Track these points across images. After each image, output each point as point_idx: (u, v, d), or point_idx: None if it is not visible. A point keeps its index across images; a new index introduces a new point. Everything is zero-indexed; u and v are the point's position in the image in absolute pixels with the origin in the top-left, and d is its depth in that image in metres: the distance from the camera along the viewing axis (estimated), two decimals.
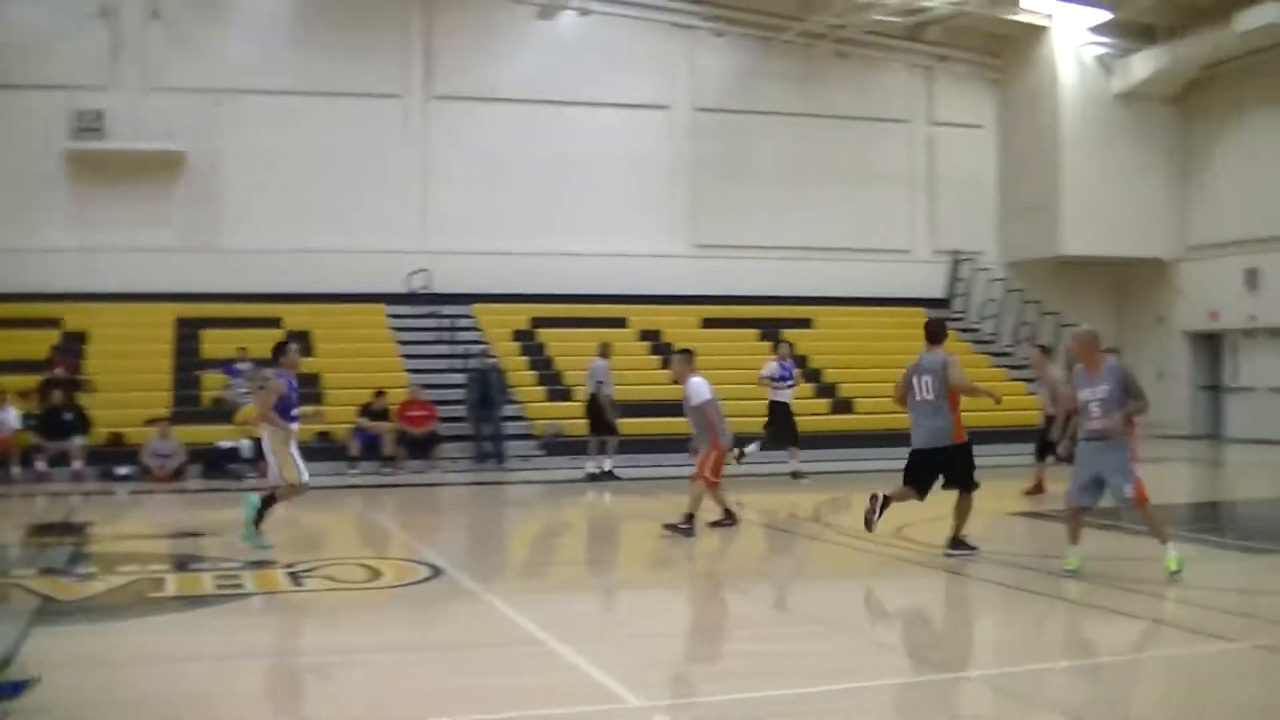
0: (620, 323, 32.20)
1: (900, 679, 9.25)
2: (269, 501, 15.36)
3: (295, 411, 15.15)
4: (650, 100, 35.18)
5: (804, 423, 26.25)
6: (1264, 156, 34.85)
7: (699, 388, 16.77)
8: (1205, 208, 36.81)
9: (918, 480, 14.49)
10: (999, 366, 33.38)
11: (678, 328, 32.04)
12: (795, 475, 24.12)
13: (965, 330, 36.12)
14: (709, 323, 32.51)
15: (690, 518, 16.37)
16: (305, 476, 15.47)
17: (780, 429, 24.43)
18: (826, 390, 30.87)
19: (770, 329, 31.81)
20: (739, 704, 8.66)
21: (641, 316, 32.73)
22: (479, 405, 27.32)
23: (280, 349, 15.85)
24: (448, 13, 33.47)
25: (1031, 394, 26.51)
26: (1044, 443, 21.18)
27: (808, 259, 35.67)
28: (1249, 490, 23.82)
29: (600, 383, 25.70)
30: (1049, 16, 35.72)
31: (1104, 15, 34.98)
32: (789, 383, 24.73)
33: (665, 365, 30.17)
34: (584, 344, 30.07)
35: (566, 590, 13.61)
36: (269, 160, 31.78)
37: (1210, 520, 19.91)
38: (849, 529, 17.20)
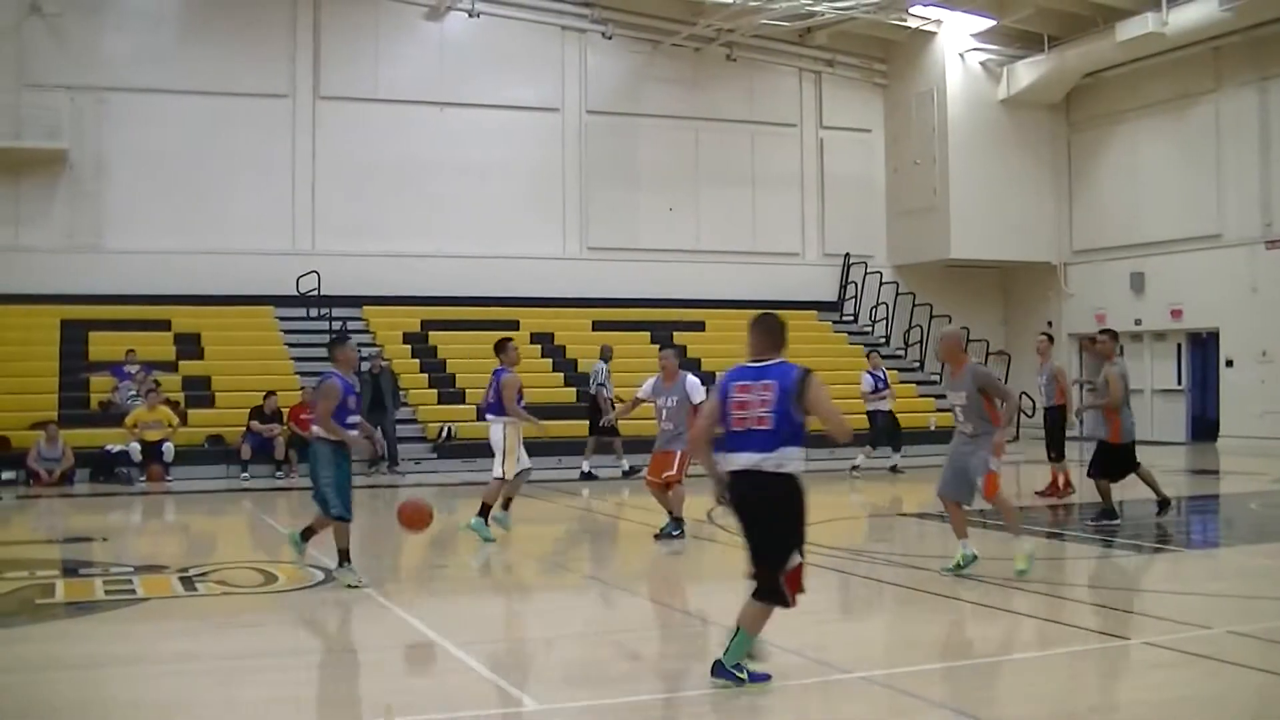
0: (512, 325, 32.09)
1: (797, 680, 9.29)
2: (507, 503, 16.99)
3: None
4: (540, 102, 35.15)
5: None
6: (1146, 162, 35.48)
7: (697, 384, 16.90)
8: (1090, 212, 37.38)
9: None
10: (890, 369, 33.57)
11: (569, 330, 32.09)
12: (894, 469, 25.94)
13: (855, 333, 36.41)
14: (600, 325, 32.56)
15: (679, 521, 16.63)
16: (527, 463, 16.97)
17: (882, 434, 26.40)
18: None
19: (661, 331, 31.92)
20: (635, 706, 8.71)
21: (533, 319, 32.71)
22: (371, 408, 27.15)
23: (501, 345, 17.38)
24: (335, 12, 33.23)
25: (925, 396, 26.86)
26: (1055, 438, 21.08)
27: (699, 262, 35.81)
28: (1135, 491, 24.09)
29: (601, 384, 26.25)
30: (936, 23, 36.09)
31: (989, 22, 35.38)
32: (884, 392, 25.85)
33: (556, 369, 30.39)
34: (475, 346, 30.03)
35: (461, 593, 13.59)
36: (155, 160, 31.39)
37: (1102, 519, 20.15)
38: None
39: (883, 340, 36.48)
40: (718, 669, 8.75)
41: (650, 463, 17.21)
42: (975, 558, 13.00)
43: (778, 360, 8.87)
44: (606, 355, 27.18)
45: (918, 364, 35.79)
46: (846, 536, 17.67)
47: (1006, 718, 8.49)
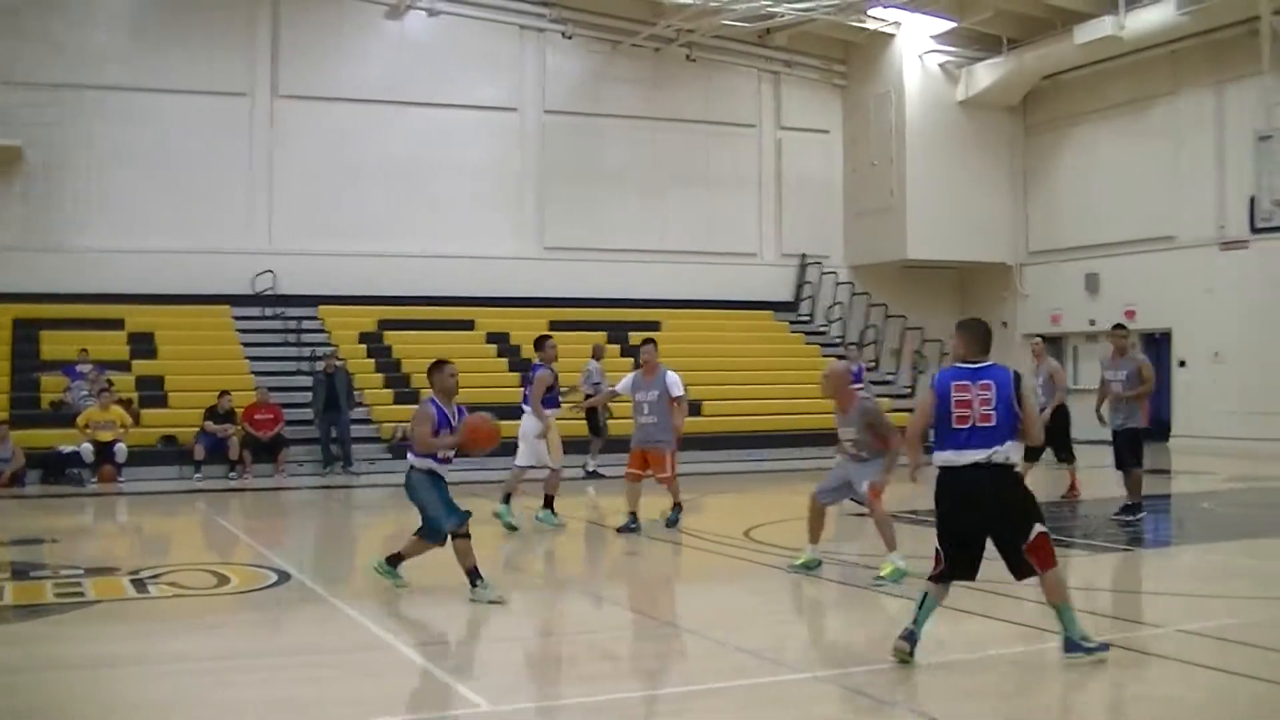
0: (468, 325, 32.12)
1: (752, 680, 9.28)
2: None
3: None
4: (499, 102, 35.05)
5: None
6: (1102, 164, 35.67)
7: (677, 379, 17.30)
8: (1047, 214, 37.54)
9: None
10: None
11: (526, 330, 31.83)
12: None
13: (811, 333, 36.47)
14: (557, 325, 32.32)
15: (678, 505, 17.63)
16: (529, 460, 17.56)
17: None
18: None
19: (618, 332, 31.90)
20: (591, 707, 8.68)
21: (489, 319, 32.64)
22: (326, 408, 27.08)
23: (540, 342, 18.09)
24: (295, 11, 33.05)
25: (881, 396, 26.82)
26: (1061, 439, 20.80)
27: (656, 262, 35.78)
28: (1091, 491, 24.22)
29: (597, 384, 26.30)
30: (895, 24, 36.16)
31: (948, 24, 35.50)
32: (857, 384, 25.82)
33: (512, 369, 30.31)
34: (431, 346, 29.92)
35: (416, 595, 13.51)
36: (112, 157, 31.16)
37: (1054, 520, 20.20)
38: (700, 531, 17.29)
39: (838, 340, 36.55)
40: (1069, 646, 9.26)
41: (630, 457, 17.52)
42: (820, 563, 13.60)
43: (989, 362, 9.46)
44: (599, 354, 27.36)
45: (873, 363, 35.81)
46: (802, 537, 17.65)
47: (960, 717, 8.48)
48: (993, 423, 9.18)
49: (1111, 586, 13.70)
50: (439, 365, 12.77)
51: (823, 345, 35.79)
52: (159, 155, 31.54)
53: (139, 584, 13.12)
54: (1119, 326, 19.02)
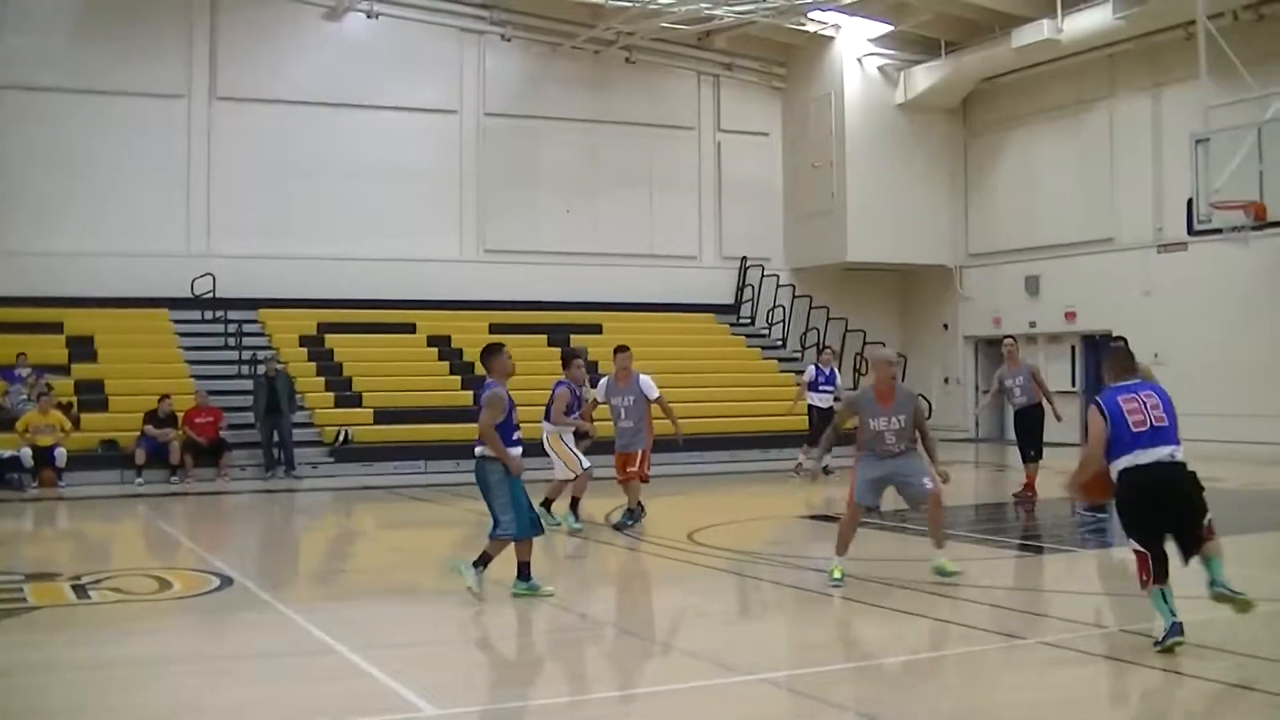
0: (409, 328, 32.03)
1: (694, 682, 9.30)
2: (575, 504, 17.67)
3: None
4: (439, 104, 34.96)
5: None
6: (1041, 166, 35.98)
7: (650, 382, 17.89)
8: (987, 216, 37.80)
9: None
10: (786, 372, 33.76)
11: (466, 333, 31.89)
12: (826, 470, 24.78)
13: (752, 336, 36.55)
14: (497, 328, 32.21)
15: (634, 510, 17.78)
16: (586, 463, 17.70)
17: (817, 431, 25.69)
18: None
19: (559, 334, 31.89)
20: (536, 710, 8.70)
21: (430, 322, 32.54)
22: (267, 412, 26.95)
23: (567, 359, 18.36)
24: (232, 12, 32.84)
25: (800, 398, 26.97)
26: (1033, 438, 20.80)
27: (596, 265, 35.76)
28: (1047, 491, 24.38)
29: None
30: (834, 27, 36.33)
31: (887, 27, 35.68)
32: (827, 389, 25.82)
33: (453, 372, 30.25)
34: (372, 349, 30.00)
35: (359, 598, 13.49)
36: (48, 160, 30.87)
37: (993, 521, 20.36)
38: (643, 534, 17.31)
39: (779, 343, 36.65)
40: (1214, 587, 9.84)
41: (615, 461, 17.97)
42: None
43: (1140, 379, 10.42)
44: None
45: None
46: (749, 539, 17.71)
47: (904, 717, 8.52)
48: (1167, 424, 9.98)
49: (1055, 587, 13.77)
50: (496, 349, 12.70)
51: (763, 348, 35.89)
52: (96, 158, 31.28)
53: (80, 590, 13.03)
54: (1008, 338, 20.60)
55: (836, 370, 27.29)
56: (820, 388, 26.31)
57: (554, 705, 8.81)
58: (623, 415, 17.67)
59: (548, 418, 17.73)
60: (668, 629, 11.83)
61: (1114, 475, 10.01)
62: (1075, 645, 10.16)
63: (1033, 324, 35.85)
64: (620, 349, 18.22)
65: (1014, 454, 22.43)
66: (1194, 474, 10.04)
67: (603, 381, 18.21)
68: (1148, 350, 31.15)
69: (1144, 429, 9.90)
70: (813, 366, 27.08)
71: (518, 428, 12.32)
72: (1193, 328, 30.87)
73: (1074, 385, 34.67)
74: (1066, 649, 10.02)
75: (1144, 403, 10.02)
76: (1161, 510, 9.89)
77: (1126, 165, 33.50)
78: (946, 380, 38.69)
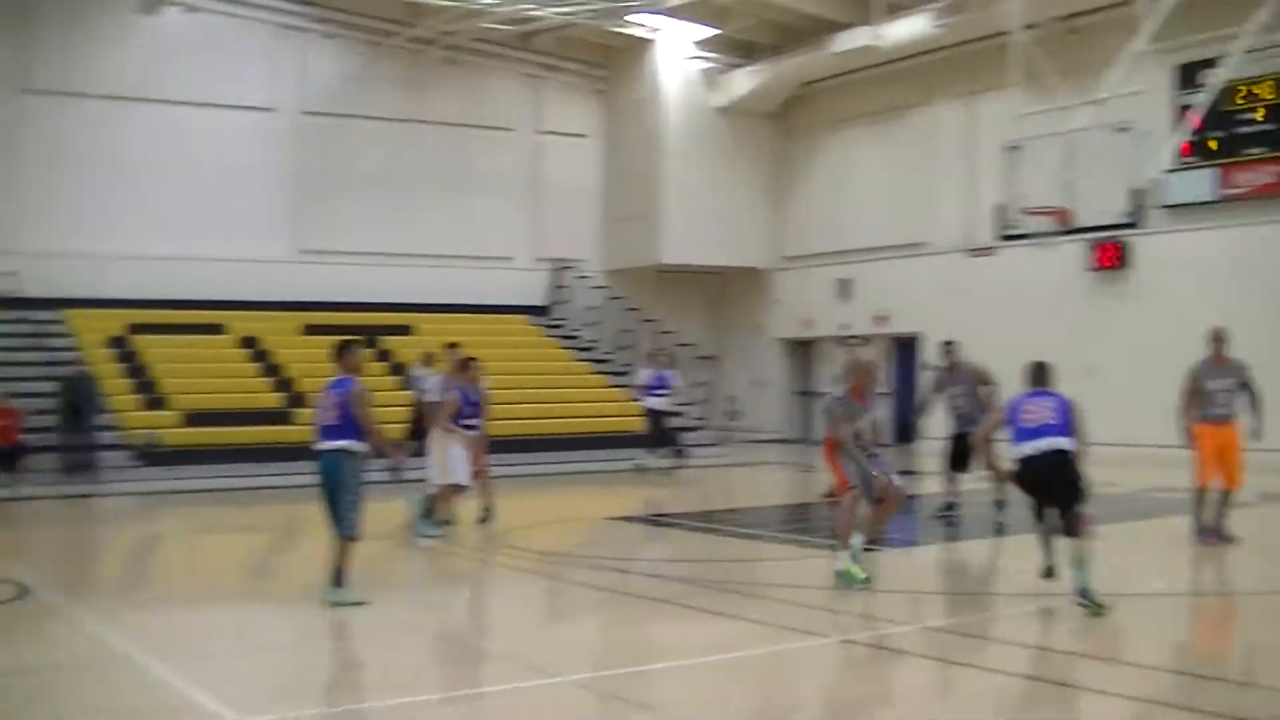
0: (219, 329, 31.43)
1: (505, 685, 9.22)
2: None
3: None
4: (256, 102, 34.27)
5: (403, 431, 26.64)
6: (856, 172, 36.47)
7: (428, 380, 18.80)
8: (802, 219, 38.20)
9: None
10: (600, 374, 33.74)
11: (278, 335, 31.43)
12: (640, 469, 25.64)
13: (566, 338, 36.48)
14: (310, 329, 31.83)
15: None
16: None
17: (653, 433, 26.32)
18: None
19: (373, 336, 31.58)
20: (341, 717, 8.56)
21: (241, 323, 31.91)
22: (70, 415, 26.31)
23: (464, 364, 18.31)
24: (43, 3, 32.02)
25: (634, 400, 27.06)
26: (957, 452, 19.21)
27: (413, 265, 35.41)
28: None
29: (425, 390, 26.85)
30: (655, 30, 36.38)
31: (708, 31, 35.81)
32: (661, 391, 25.86)
33: (264, 374, 29.82)
34: (181, 351, 29.38)
35: (162, 606, 13.19)
36: None
37: (801, 520, 20.51)
38: (456, 537, 17.16)
39: (593, 345, 36.63)
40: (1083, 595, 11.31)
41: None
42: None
43: (1047, 390, 12.29)
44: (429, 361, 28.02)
45: (628, 368, 35.93)
46: (561, 541, 17.66)
47: (710, 717, 8.50)
48: (1057, 421, 11.93)
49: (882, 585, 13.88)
50: (353, 345, 12.83)
51: (577, 350, 35.83)
52: None
53: None
54: (948, 341, 19.83)
55: (672, 372, 27.40)
56: (654, 391, 26.47)
57: (364, 711, 8.69)
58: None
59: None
60: (479, 632, 11.73)
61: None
62: (879, 643, 10.30)
63: (844, 327, 36.25)
64: (452, 345, 19.10)
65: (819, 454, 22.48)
66: (1070, 462, 11.77)
67: (436, 378, 18.46)
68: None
69: (1035, 424, 11.92)
70: (645, 369, 27.32)
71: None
72: (1001, 331, 31.35)
73: (886, 387, 35.10)
74: (870, 646, 10.13)
75: (1044, 405, 12.03)
76: (1044, 486, 11.88)
77: (940, 171, 34.10)
78: (758, 382, 39.00)
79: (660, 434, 26.88)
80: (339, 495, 12.09)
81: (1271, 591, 13.40)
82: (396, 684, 9.39)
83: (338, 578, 12.11)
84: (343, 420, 12.10)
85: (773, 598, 12.29)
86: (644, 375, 27.06)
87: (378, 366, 30.32)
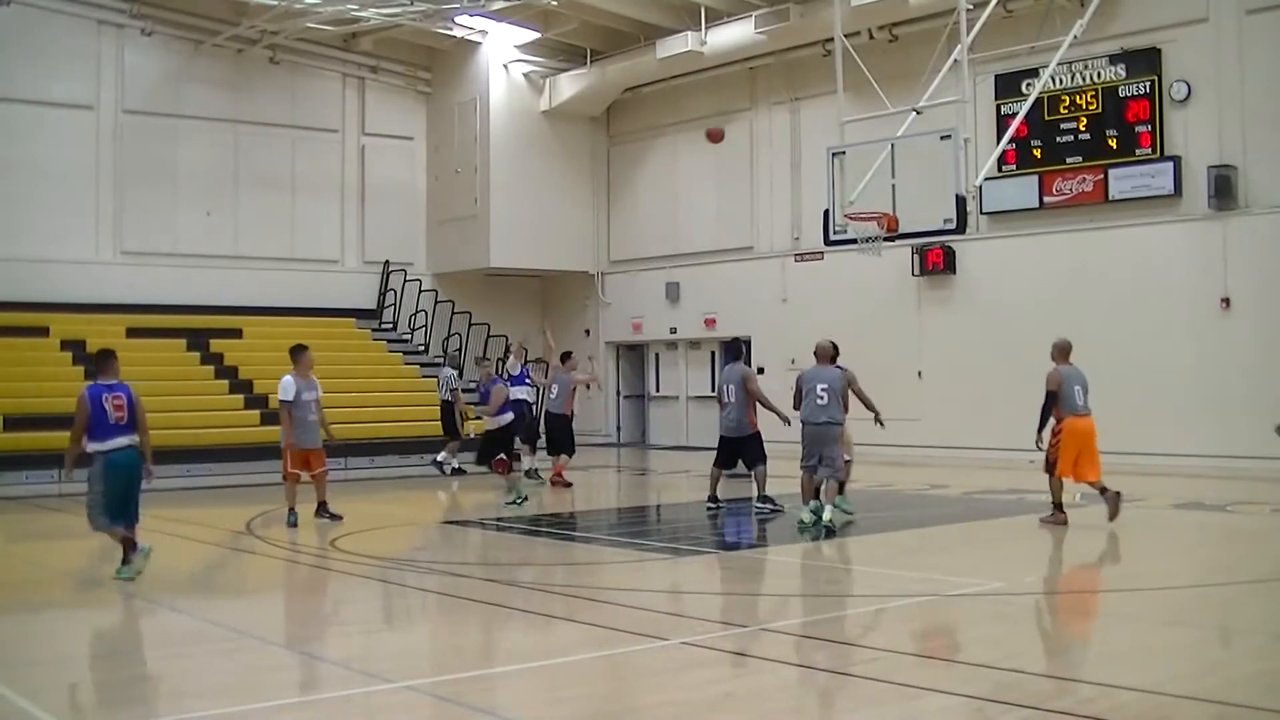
0: (42, 332, 30.81)
1: (340, 691, 9.20)
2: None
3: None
4: (74, 99, 33.57)
5: (232, 434, 26.65)
6: (682, 176, 36.82)
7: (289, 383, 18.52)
8: (629, 223, 38.44)
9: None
10: (429, 377, 33.62)
11: (102, 337, 30.82)
12: (529, 473, 25.53)
13: (393, 341, 36.32)
14: (134, 332, 31.37)
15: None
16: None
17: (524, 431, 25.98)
18: (257, 401, 30.20)
19: (199, 339, 31.22)
20: None
21: (64, 325, 31.28)
22: None
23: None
24: None
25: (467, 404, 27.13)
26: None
27: (237, 268, 35.01)
28: (672, 495, 24.82)
29: (453, 389, 28.33)
30: (481, 33, 36.38)
31: (533, 34, 35.85)
32: (519, 388, 25.75)
33: (88, 377, 29.27)
34: (2, 354, 28.72)
35: None
36: None
37: (637, 524, 20.63)
38: (283, 541, 17.05)
39: (422, 348, 36.52)
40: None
41: (294, 457, 18.60)
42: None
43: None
44: (454, 363, 29.71)
45: (459, 370, 35.88)
46: (392, 545, 17.63)
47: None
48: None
49: (696, 588, 14.00)
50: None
51: (405, 353, 35.68)
52: None
53: None
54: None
55: (528, 367, 27.34)
56: (515, 386, 26.44)
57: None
58: (313, 410, 18.54)
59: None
60: (312, 638, 11.67)
61: None
62: (717, 645, 10.39)
63: (673, 330, 36.59)
64: (300, 347, 18.91)
65: (654, 457, 22.70)
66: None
67: (288, 377, 18.45)
68: (785, 356, 32.20)
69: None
70: (514, 362, 27.41)
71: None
72: (831, 333, 31.67)
73: (714, 390, 35.39)
74: (708, 649, 10.22)
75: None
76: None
77: (766, 176, 34.56)
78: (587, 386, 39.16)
79: (530, 431, 26.80)
80: (136, 488, 13.56)
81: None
82: (230, 691, 9.30)
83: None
84: (131, 420, 13.69)
85: (608, 601, 12.38)
86: (512, 365, 27.01)
87: (210, 370, 30.15)
